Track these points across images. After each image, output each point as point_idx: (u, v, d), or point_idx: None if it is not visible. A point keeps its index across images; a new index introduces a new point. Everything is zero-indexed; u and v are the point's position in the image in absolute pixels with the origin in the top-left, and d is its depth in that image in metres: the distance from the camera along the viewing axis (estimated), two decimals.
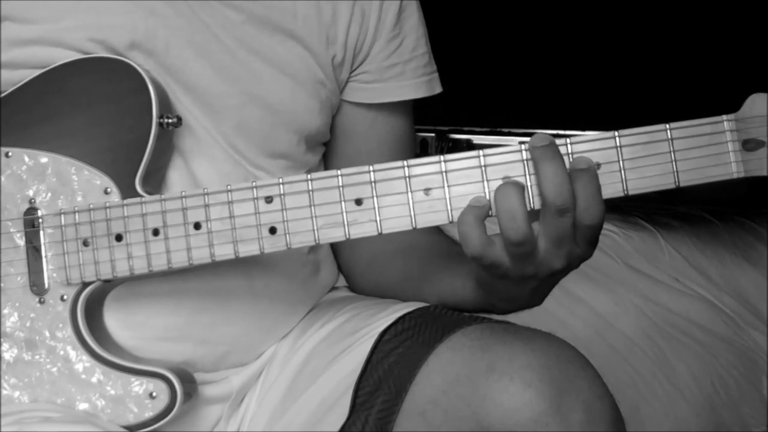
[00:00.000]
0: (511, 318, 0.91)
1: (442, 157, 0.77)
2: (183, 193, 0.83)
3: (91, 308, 0.88)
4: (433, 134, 2.93)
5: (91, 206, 0.86)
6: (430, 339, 0.86)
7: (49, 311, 0.87)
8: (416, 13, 1.07)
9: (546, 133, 0.75)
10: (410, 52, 1.05)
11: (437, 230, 1.03)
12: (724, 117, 0.74)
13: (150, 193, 0.86)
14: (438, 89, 1.09)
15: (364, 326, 0.93)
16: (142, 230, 0.84)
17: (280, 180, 0.80)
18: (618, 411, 0.81)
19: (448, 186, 0.77)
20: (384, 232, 0.79)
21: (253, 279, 0.96)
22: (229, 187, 0.82)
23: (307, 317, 1.03)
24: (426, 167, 0.78)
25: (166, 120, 0.87)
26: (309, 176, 0.80)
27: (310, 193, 0.80)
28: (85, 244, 0.86)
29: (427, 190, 0.78)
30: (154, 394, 0.86)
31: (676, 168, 0.74)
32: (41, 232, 0.88)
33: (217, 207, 0.82)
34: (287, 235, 0.81)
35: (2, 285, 0.88)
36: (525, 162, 0.76)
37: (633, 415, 1.58)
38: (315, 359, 0.95)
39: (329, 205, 0.79)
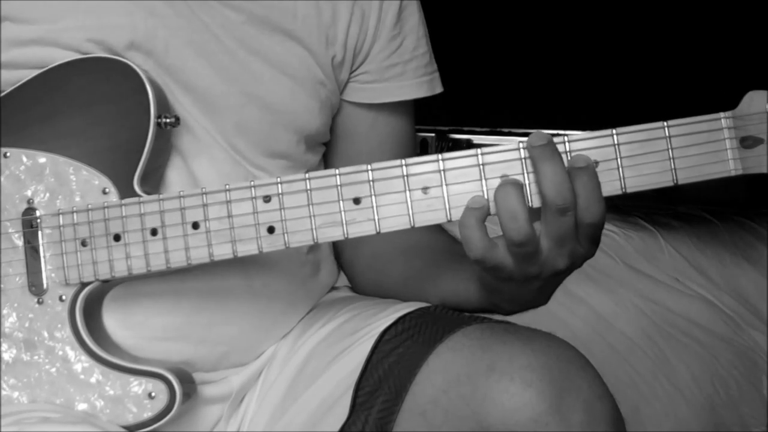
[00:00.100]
0: (512, 318, 0.91)
1: (440, 156, 0.77)
2: (181, 193, 0.83)
3: (90, 308, 0.88)
4: (433, 134, 2.94)
5: (90, 206, 0.86)
6: (431, 339, 0.86)
7: (48, 311, 0.87)
8: (416, 12, 1.06)
9: (544, 132, 0.75)
10: (411, 52, 1.05)
11: (439, 229, 1.03)
12: (722, 114, 0.74)
13: (148, 193, 0.86)
14: (439, 89, 1.08)
15: (365, 326, 0.93)
16: (141, 230, 0.84)
17: (278, 179, 0.80)
18: (618, 411, 0.81)
19: (447, 185, 0.77)
20: (382, 231, 0.78)
21: (252, 279, 0.96)
22: (227, 186, 0.82)
23: (307, 317, 1.03)
24: (424, 166, 0.78)
25: (164, 120, 0.87)
26: (307, 175, 0.80)
27: (308, 192, 0.80)
28: (84, 244, 0.86)
29: (425, 189, 0.78)
30: (153, 394, 0.85)
31: (674, 166, 0.74)
32: (39, 233, 0.87)
33: (216, 206, 0.82)
34: (285, 235, 0.80)
35: (1, 285, 0.88)
36: (523, 160, 0.76)
37: (633, 415, 1.58)
38: (315, 359, 0.95)
39: (327, 205, 0.79)
